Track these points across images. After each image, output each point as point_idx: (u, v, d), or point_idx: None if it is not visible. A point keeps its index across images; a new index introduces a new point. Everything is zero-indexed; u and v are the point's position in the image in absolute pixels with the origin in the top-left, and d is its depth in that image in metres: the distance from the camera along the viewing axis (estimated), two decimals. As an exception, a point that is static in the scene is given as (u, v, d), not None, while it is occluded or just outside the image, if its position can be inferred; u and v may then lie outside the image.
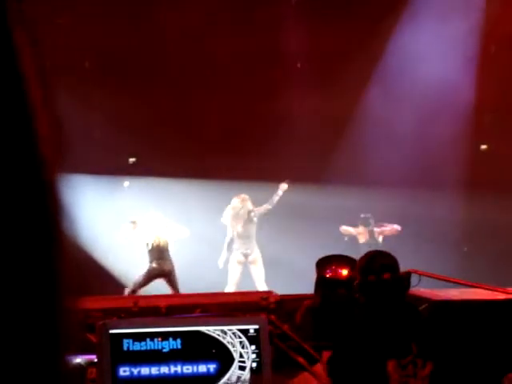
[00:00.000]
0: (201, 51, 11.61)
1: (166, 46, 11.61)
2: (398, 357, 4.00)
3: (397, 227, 11.13)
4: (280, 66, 11.90)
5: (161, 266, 10.17)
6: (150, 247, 10.25)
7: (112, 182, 11.68)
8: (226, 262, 10.84)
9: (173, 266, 10.20)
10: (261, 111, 11.80)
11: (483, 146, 12.37)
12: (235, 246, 10.78)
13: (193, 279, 10.07)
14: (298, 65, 12.18)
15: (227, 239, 10.85)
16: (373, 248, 10.38)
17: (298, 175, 11.44)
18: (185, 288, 9.91)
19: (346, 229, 11.29)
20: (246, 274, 10.79)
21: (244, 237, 10.77)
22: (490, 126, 12.00)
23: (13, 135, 0.52)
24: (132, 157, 12.09)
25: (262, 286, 10.46)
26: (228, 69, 11.67)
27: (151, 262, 10.23)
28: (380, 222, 11.22)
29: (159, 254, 10.23)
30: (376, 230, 11.18)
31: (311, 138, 11.71)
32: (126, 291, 10.15)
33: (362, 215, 11.25)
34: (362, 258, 4.29)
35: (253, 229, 10.84)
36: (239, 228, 10.78)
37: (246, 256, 10.72)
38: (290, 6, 11.92)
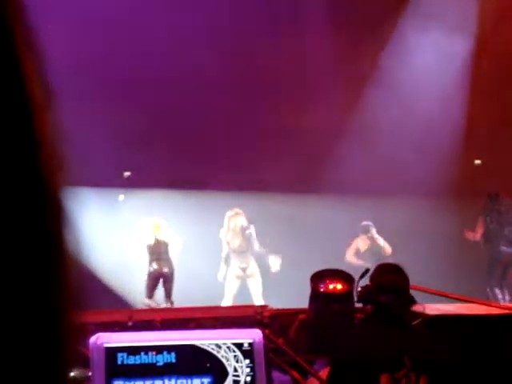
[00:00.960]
0: (197, 64, 11.62)
1: (163, 57, 11.62)
2: (392, 371, 4.01)
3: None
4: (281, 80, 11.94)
5: (160, 266, 10.23)
6: (148, 248, 10.33)
7: (107, 196, 11.68)
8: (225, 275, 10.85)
9: (173, 269, 10.25)
10: (257, 124, 11.83)
11: (477, 161, 12.41)
12: (232, 260, 10.78)
13: (189, 292, 10.07)
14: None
15: (223, 254, 10.86)
16: (377, 256, 10.45)
17: (297, 187, 11.46)
18: (181, 301, 9.92)
19: (350, 260, 11.21)
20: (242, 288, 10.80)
21: (239, 251, 10.77)
22: (484, 140, 12.04)
23: (15, 147, 0.53)
24: (127, 170, 12.09)
25: (258, 299, 10.46)
26: (221, 82, 11.68)
27: (150, 263, 10.28)
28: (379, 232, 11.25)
29: (158, 254, 10.29)
30: (377, 237, 11.20)
31: (309, 150, 11.72)
32: (145, 301, 10.18)
33: (363, 223, 11.25)
34: (375, 271, 4.36)
35: (248, 243, 10.83)
36: (234, 242, 10.78)
37: (243, 270, 10.72)
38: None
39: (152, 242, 10.34)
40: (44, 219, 0.54)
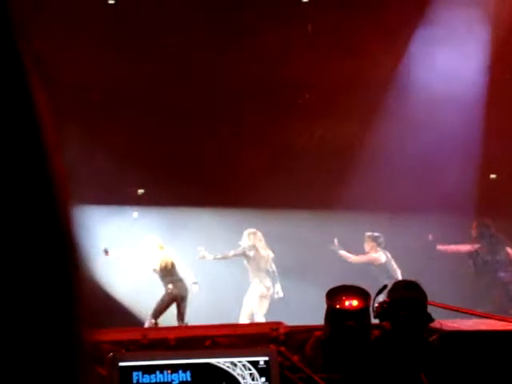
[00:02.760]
0: (206, 83, 11.67)
1: (171, 78, 11.68)
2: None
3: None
4: (285, 97, 11.95)
5: (177, 288, 10.17)
6: (158, 271, 10.29)
7: (121, 213, 11.70)
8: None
9: (187, 292, 10.22)
10: (266, 141, 11.85)
11: (493, 176, 12.36)
12: (258, 279, 10.72)
13: (203, 309, 10.06)
14: (307, 95, 12.23)
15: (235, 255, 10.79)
16: (385, 270, 10.44)
17: (308, 204, 11.45)
18: (195, 318, 9.91)
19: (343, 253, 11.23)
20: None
21: (265, 270, 10.75)
22: (500, 154, 12.00)
23: (29, 176, 0.54)
24: (141, 188, 12.13)
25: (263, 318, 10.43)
26: (234, 100, 11.72)
27: (167, 284, 10.22)
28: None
29: (170, 276, 10.24)
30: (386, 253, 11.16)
31: (319, 168, 11.73)
32: (148, 322, 10.14)
33: (373, 234, 11.14)
34: (392, 287, 4.35)
35: (268, 263, 10.81)
36: (262, 260, 10.75)
37: (268, 289, 10.69)
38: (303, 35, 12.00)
39: (160, 262, 10.28)
40: (60, 243, 0.55)
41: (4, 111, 0.53)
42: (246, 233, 10.89)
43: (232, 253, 10.80)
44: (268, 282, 10.67)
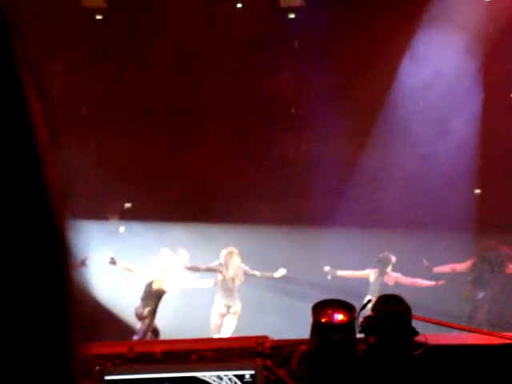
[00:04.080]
0: (196, 96, 11.70)
1: (161, 90, 11.71)
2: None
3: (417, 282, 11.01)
4: (272, 111, 12.00)
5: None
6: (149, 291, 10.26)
7: (107, 228, 11.68)
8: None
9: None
10: (259, 155, 11.88)
11: (477, 191, 12.42)
12: (218, 296, 10.71)
13: (189, 324, 10.03)
14: (293, 110, 12.29)
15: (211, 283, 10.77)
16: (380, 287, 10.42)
17: (298, 218, 11.47)
18: (181, 333, 9.87)
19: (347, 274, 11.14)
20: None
21: (229, 288, 10.72)
22: (484, 169, 12.06)
23: (23, 185, 0.54)
24: (128, 202, 12.12)
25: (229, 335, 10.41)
26: (224, 113, 11.76)
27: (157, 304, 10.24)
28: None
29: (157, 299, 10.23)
30: (392, 274, 11.08)
31: (313, 181, 11.74)
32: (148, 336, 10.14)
33: (385, 254, 11.09)
34: (377, 301, 4.38)
35: (239, 281, 10.80)
36: (229, 278, 10.72)
37: (228, 308, 10.67)
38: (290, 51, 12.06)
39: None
40: (54, 255, 0.56)
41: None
42: (223, 251, 10.87)
43: (204, 266, 10.78)
44: (230, 301, 10.66)
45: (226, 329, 10.54)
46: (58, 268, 0.56)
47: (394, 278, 11.05)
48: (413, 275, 11.10)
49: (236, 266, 10.76)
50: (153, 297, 10.18)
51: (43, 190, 0.56)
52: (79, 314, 0.57)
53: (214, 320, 10.62)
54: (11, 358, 0.52)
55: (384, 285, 10.90)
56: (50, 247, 0.56)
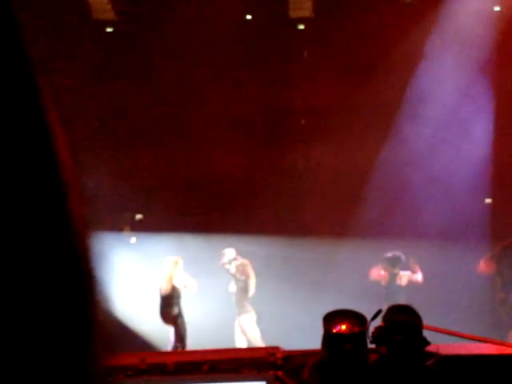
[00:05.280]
0: (206, 108, 11.74)
1: (172, 102, 11.76)
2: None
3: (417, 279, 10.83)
4: (283, 121, 12.02)
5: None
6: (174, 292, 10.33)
7: (118, 239, 11.72)
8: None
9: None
10: (269, 165, 11.89)
11: (488, 200, 12.40)
12: (248, 304, 10.74)
13: (202, 334, 10.04)
14: (303, 121, 12.31)
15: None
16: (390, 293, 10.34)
17: (309, 228, 11.47)
18: (194, 343, 9.90)
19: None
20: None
21: (246, 298, 10.78)
22: (497, 178, 12.04)
23: (48, 211, 0.56)
24: (138, 213, 12.15)
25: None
26: (235, 123, 11.79)
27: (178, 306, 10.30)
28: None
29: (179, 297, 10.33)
30: (402, 273, 10.95)
31: (324, 192, 11.74)
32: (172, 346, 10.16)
33: (394, 254, 10.82)
34: (387, 311, 4.38)
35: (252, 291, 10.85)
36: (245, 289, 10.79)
37: (247, 317, 10.72)
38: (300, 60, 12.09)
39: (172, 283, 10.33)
40: (79, 275, 0.57)
41: (21, 137, 0.55)
42: (234, 264, 10.89)
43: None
44: (248, 310, 10.71)
45: (248, 338, 10.56)
46: (83, 283, 0.57)
47: (408, 277, 10.87)
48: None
49: (251, 274, 10.82)
50: (172, 298, 10.27)
51: (67, 213, 0.57)
52: (101, 328, 0.59)
53: (250, 330, 10.62)
54: (34, 369, 0.53)
55: (398, 287, 10.75)
56: (71, 260, 0.57)
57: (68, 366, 0.55)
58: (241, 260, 10.90)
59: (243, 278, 10.77)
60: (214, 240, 11.65)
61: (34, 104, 0.57)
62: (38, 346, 0.53)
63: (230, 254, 10.89)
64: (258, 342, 10.46)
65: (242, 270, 10.81)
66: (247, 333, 10.63)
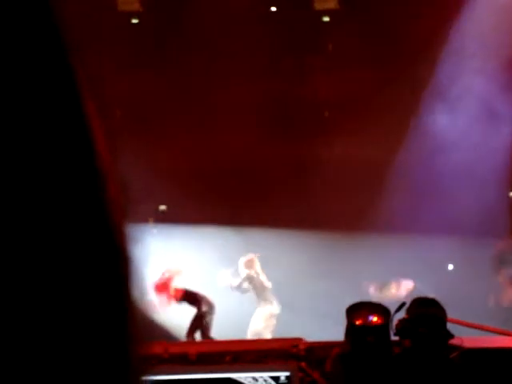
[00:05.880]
0: (229, 99, 11.74)
1: (196, 93, 11.77)
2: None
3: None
4: (305, 114, 12.00)
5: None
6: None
7: (142, 230, 11.75)
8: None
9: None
10: (292, 157, 11.88)
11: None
12: (270, 298, 10.74)
13: (224, 326, 10.08)
14: (326, 113, 12.28)
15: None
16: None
17: (329, 221, 11.46)
18: (215, 335, 9.93)
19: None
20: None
21: (269, 291, 10.80)
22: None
23: (86, 202, 0.56)
24: (162, 204, 12.19)
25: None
26: (258, 115, 11.77)
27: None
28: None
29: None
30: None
31: (344, 186, 11.71)
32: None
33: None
34: (412, 304, 4.38)
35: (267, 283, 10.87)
36: (266, 284, 10.81)
37: (270, 310, 10.72)
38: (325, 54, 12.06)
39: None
40: (117, 274, 0.58)
41: (61, 133, 0.56)
42: (242, 260, 10.89)
43: (237, 283, 10.86)
44: (269, 303, 10.71)
45: (269, 330, 10.56)
46: (121, 279, 0.57)
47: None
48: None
49: (260, 269, 10.84)
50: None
51: (105, 204, 0.57)
52: (138, 320, 0.58)
53: (266, 323, 10.63)
54: (76, 368, 0.53)
55: None
56: (113, 263, 0.57)
57: (105, 359, 0.55)
58: (248, 256, 10.92)
59: (254, 275, 10.80)
60: (238, 232, 11.67)
61: (71, 92, 0.58)
62: (74, 342, 0.54)
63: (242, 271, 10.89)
64: (268, 335, 10.46)
65: (249, 265, 10.83)
66: (263, 324, 10.63)
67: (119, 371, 0.56)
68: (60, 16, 0.59)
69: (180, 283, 10.62)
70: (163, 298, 10.22)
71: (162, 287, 10.29)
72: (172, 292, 10.46)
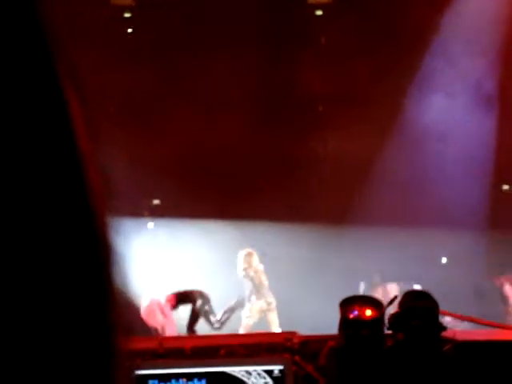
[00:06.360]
0: (223, 92, 11.73)
1: (189, 86, 11.76)
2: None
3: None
4: (299, 109, 12.00)
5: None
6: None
7: (135, 224, 11.75)
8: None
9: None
10: (286, 151, 11.88)
11: (505, 187, 12.34)
12: (257, 295, 10.74)
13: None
14: (320, 108, 12.28)
15: (247, 291, 10.84)
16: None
17: (323, 215, 11.47)
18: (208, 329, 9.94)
19: None
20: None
21: (264, 287, 10.77)
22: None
23: (66, 189, 0.56)
24: (156, 198, 12.18)
25: (277, 330, 10.45)
26: (251, 109, 11.76)
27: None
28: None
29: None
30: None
31: (338, 180, 11.72)
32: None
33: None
34: (404, 297, 4.39)
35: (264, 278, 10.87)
36: (260, 279, 10.79)
37: (269, 304, 10.70)
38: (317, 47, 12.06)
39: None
40: (97, 260, 0.58)
41: (40, 121, 0.56)
42: (241, 254, 10.88)
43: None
44: (269, 297, 10.69)
45: (273, 327, 10.56)
46: (101, 266, 0.57)
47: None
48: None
49: (257, 262, 10.83)
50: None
51: (86, 195, 0.57)
52: (120, 314, 0.58)
53: (254, 318, 10.63)
54: (56, 359, 0.53)
55: None
56: (93, 250, 0.57)
57: (89, 355, 0.55)
58: (247, 250, 10.91)
59: (252, 269, 10.80)
60: (232, 225, 11.68)
61: (51, 79, 0.58)
62: (56, 334, 0.54)
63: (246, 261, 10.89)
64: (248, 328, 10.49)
65: (249, 260, 10.83)
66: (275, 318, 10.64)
67: (99, 356, 0.56)
68: (42, 9, 0.58)
69: (170, 290, 10.58)
70: (156, 323, 10.15)
71: (150, 315, 10.18)
72: (163, 312, 10.39)
